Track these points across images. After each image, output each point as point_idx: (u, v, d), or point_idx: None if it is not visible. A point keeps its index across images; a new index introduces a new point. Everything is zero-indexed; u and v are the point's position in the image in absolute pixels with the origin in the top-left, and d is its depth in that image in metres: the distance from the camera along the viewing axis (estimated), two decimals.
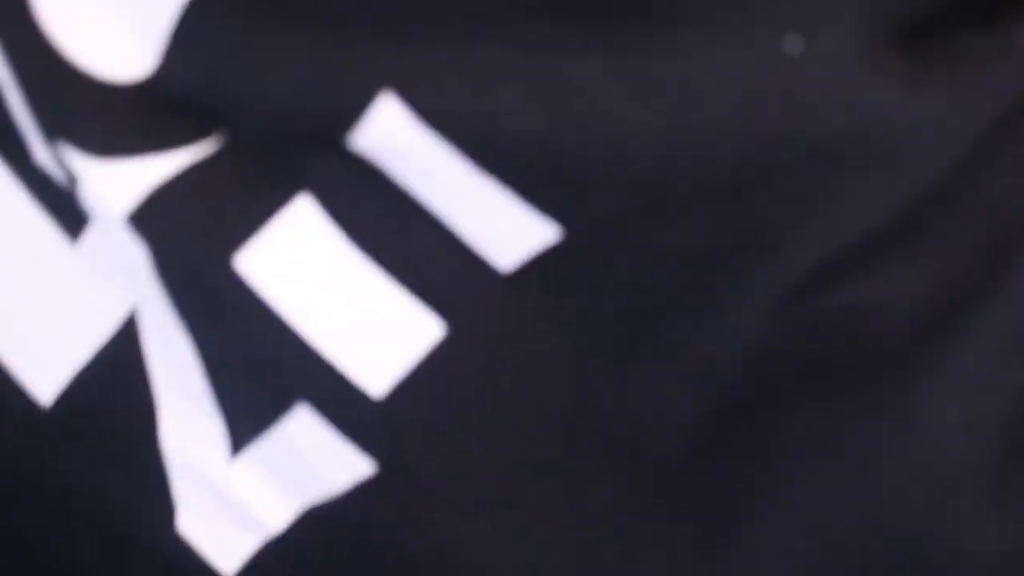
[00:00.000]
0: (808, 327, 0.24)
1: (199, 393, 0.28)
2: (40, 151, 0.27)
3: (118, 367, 0.29)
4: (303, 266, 0.25)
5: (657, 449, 0.25)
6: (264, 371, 0.27)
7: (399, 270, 0.25)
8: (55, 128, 0.26)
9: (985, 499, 0.24)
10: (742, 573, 0.25)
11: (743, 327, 0.24)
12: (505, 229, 0.24)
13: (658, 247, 0.24)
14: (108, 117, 0.25)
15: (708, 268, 0.24)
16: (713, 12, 0.23)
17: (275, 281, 0.25)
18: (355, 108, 0.24)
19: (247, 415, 0.27)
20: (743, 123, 0.23)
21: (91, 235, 0.27)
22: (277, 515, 0.28)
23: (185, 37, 0.25)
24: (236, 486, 0.28)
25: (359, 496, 0.27)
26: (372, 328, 0.25)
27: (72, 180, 0.26)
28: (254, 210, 0.25)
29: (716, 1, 0.23)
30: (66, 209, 0.27)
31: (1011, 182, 0.24)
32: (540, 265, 0.24)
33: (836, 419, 0.24)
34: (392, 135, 0.24)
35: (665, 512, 0.26)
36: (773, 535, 0.25)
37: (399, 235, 0.25)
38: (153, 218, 0.26)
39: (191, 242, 0.26)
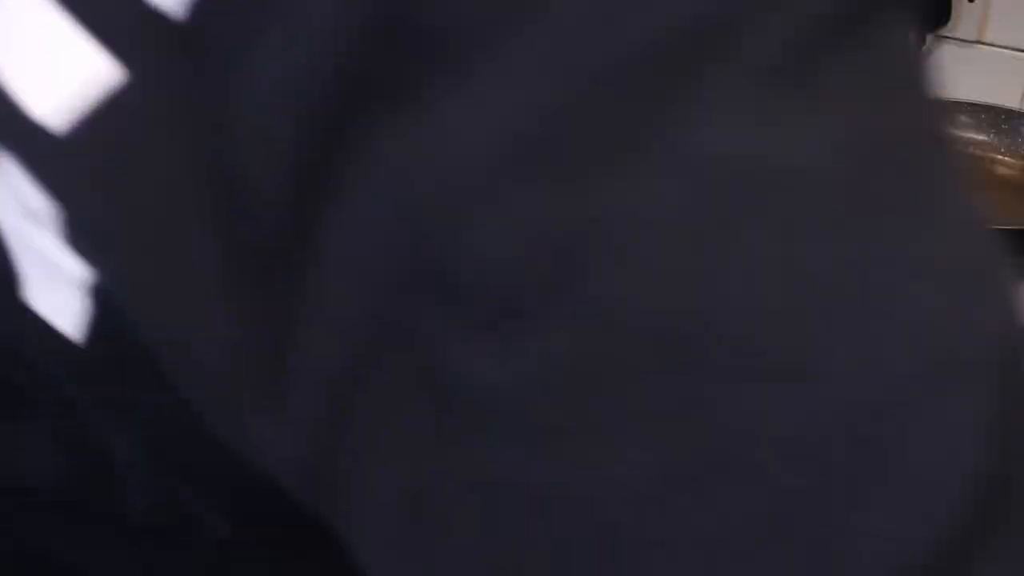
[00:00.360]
0: (391, 47, 0.24)
1: None
2: None
3: None
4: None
5: (263, 184, 0.25)
6: None
7: (84, 16, 0.26)
8: None
9: (498, 212, 0.23)
10: (320, 308, 0.25)
11: (328, 50, 0.24)
12: None
13: None
14: None
15: None
16: None
17: None
18: None
19: None
20: None
21: None
22: (75, 267, 0.28)
23: None
24: (40, 243, 0.29)
25: (59, 235, 0.28)
26: (56, 69, 0.26)
27: None
28: None
29: None
30: None
31: None
32: (203, 15, 0.25)
33: (401, 133, 0.24)
34: None
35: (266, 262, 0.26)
36: (349, 254, 0.25)
37: None
38: None
39: None
